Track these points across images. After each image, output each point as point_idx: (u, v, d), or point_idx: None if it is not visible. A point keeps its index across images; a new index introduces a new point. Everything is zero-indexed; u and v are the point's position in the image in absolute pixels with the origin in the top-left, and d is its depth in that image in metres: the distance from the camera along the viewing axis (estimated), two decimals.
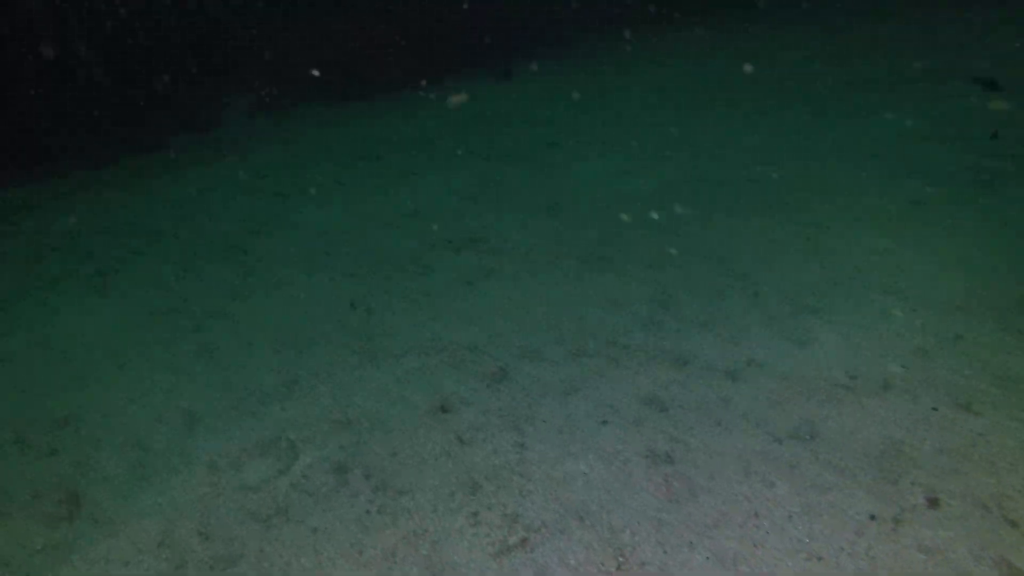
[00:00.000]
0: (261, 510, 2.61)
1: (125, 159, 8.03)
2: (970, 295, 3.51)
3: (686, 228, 4.56)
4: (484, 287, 4.10)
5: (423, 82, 13.02)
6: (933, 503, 2.35)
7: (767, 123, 6.59)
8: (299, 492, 2.68)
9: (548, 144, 6.89)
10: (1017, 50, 8.61)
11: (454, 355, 3.45)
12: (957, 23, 9.78)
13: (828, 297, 3.60)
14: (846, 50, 9.31)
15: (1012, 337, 3.17)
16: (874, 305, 3.49)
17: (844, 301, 3.55)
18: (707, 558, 2.23)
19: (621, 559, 2.26)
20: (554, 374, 3.22)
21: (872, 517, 2.33)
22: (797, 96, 7.40)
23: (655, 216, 4.79)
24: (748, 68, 9.11)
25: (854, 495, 2.42)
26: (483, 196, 5.62)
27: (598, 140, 6.77)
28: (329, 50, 15.02)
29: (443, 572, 2.28)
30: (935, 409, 2.78)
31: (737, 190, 5.07)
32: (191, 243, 5.28)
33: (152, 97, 10.91)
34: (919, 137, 5.77)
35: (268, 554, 2.42)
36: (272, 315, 4.04)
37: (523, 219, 5.05)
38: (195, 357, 3.66)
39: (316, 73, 14.17)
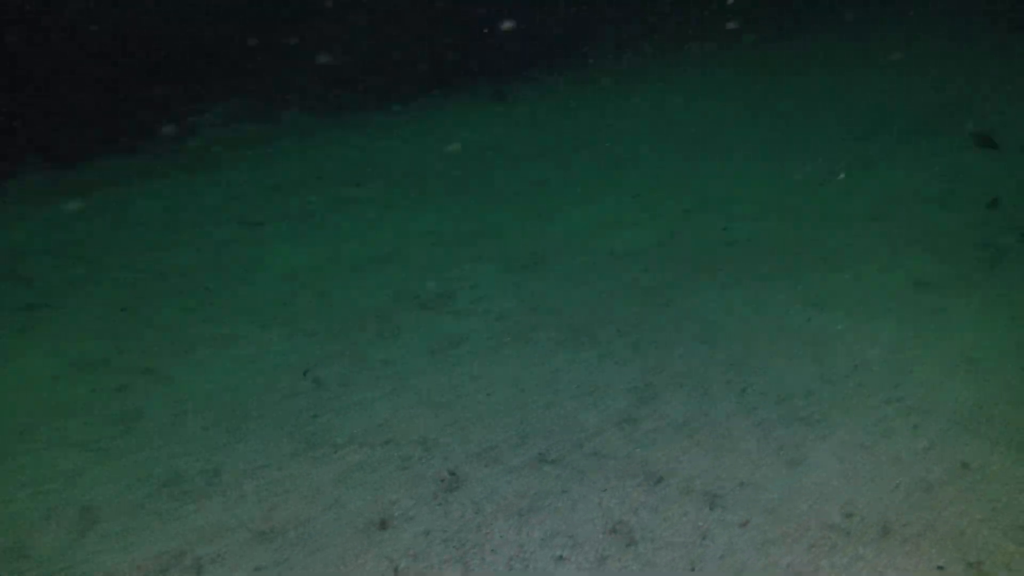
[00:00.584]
0: None
1: (85, 168, 7.54)
2: (978, 409, 3.12)
3: (677, 297, 4.15)
4: (448, 360, 3.68)
5: (417, 99, 12.60)
6: None
7: (767, 171, 6.20)
8: None
9: (537, 182, 6.48)
10: (1016, 101, 8.27)
11: (403, 450, 3.02)
12: (957, 70, 9.45)
13: (823, 402, 3.20)
14: (846, 92, 8.95)
15: (1022, 469, 2.77)
16: (873, 417, 3.09)
17: (840, 410, 3.15)
18: None
19: None
20: (511, 485, 2.80)
21: None
22: (798, 142, 7.01)
23: (644, 280, 4.38)
24: (755, 105, 8.73)
25: None
26: (462, 242, 5.20)
27: (591, 180, 6.36)
28: (323, 57, 14.57)
29: None
30: (941, 568, 2.38)
31: (733, 252, 4.67)
32: (141, 275, 4.84)
33: (120, 99, 10.43)
34: (920, 199, 5.39)
35: None
36: (212, 378, 3.60)
37: (501, 274, 4.63)
38: (113, 428, 3.22)
39: (304, 81, 13.73)
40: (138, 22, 12.86)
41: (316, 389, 3.48)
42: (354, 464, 2.95)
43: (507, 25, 14.57)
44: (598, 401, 3.27)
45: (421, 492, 2.78)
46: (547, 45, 14.82)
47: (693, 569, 2.40)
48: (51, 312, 4.30)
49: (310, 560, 2.49)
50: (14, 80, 9.36)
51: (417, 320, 4.09)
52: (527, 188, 6.36)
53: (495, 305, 4.20)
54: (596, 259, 4.70)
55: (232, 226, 5.78)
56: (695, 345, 3.65)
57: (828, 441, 2.95)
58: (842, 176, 6.00)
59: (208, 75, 13.56)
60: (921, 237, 4.70)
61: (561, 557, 2.46)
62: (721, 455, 2.91)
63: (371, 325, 4.05)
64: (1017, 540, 2.47)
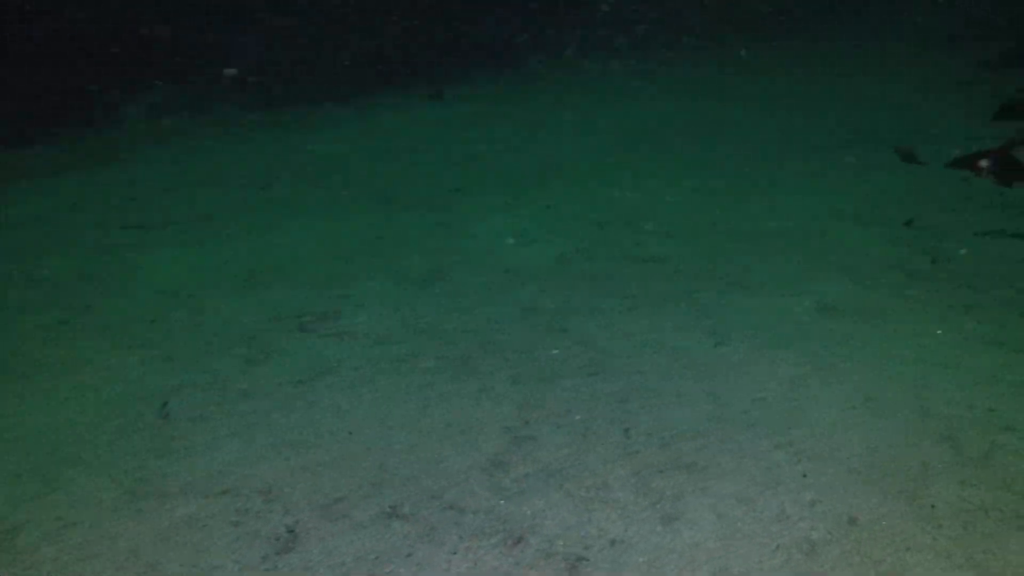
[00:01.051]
0: None
1: None
2: (872, 454, 2.86)
3: (571, 322, 3.84)
4: (314, 391, 3.31)
5: (354, 96, 12.12)
6: None
7: (691, 184, 5.94)
8: None
9: (454, 190, 6.13)
10: (948, 117, 8.19)
11: (241, 502, 2.65)
12: (889, 85, 9.37)
13: (711, 446, 2.91)
14: (781, 105, 8.78)
15: (912, 523, 2.52)
16: (760, 464, 2.82)
17: (726, 454, 2.86)
18: None
19: None
20: (353, 545, 2.45)
21: None
22: (727, 155, 6.78)
23: (541, 302, 4.07)
24: (690, 112, 8.50)
25: None
26: (362, 252, 4.82)
27: (511, 188, 6.03)
28: (261, 51, 13.99)
29: None
30: None
31: (638, 271, 4.38)
32: (4, 285, 4.36)
33: (45, 86, 9.78)
34: (838, 216, 5.18)
35: None
36: (42, 413, 3.17)
37: (392, 289, 4.26)
38: None
39: (235, 73, 13.15)
40: (75, 9, 12.16)
41: (161, 426, 3.08)
42: (182, 519, 2.57)
43: (452, 25, 14.16)
44: (468, 442, 2.94)
45: (250, 555, 2.41)
46: (491, 46, 14.45)
47: None
48: None
49: None
50: None
51: (291, 344, 3.71)
52: (443, 195, 5.99)
53: (378, 327, 3.83)
54: (495, 277, 4.37)
55: (120, 230, 5.31)
56: (583, 378, 3.34)
57: (709, 493, 2.67)
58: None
59: (144, 64, 12.90)
60: (834, 258, 4.47)
61: None
62: (592, 509, 2.60)
63: (240, 349, 3.66)
64: None
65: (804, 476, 2.76)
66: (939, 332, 3.56)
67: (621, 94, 10.04)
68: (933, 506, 2.56)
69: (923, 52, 12.62)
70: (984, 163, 6.47)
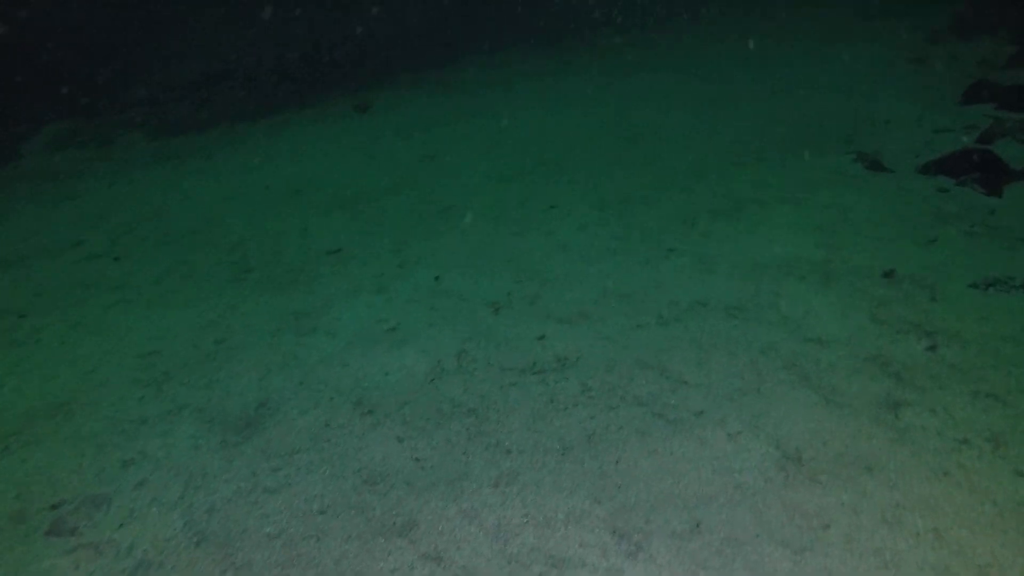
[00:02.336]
0: None
1: None
2: None
3: (429, 511, 2.51)
4: None
5: (271, 115, 10.58)
6: None
7: (608, 232, 4.59)
8: None
9: (331, 251, 4.74)
10: (907, 101, 6.91)
11: None
12: (853, 74, 8.05)
13: None
14: (724, 104, 7.42)
15: None
16: None
17: None
18: None
19: None
20: None
21: None
22: (658, 179, 5.43)
23: (394, 464, 2.73)
24: (616, 123, 7.12)
25: None
26: (179, 369, 3.44)
27: (400, 246, 4.65)
28: (171, 70, 12.35)
29: None
30: None
31: (537, 398, 3.04)
32: None
33: None
34: (793, 269, 3.88)
35: None
36: None
37: (191, 450, 2.90)
38: None
39: (152, 97, 11.55)
40: None
41: None
42: None
43: (384, 27, 12.57)
44: None
45: None
46: (422, 49, 12.89)
47: None
48: None
49: None
50: None
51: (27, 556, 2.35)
52: (314, 261, 4.61)
53: (147, 534, 2.48)
54: (337, 416, 3.01)
55: None
56: None
57: None
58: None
59: (48, 93, 11.25)
60: (796, 365, 3.16)
61: None
62: None
63: None
64: None
65: None
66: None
67: (549, 104, 8.62)
68: None
69: (865, 21, 11.30)
70: (966, 167, 5.20)
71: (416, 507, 2.46)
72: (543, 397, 2.94)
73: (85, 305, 4.27)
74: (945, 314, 3.32)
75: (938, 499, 2.22)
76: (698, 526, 2.21)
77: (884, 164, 5.51)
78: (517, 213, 5.03)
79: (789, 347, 3.10)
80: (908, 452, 2.45)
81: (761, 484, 2.40)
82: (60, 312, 4.20)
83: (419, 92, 10.46)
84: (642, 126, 6.88)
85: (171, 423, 3.07)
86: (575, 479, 2.48)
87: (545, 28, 13.54)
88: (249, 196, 6.17)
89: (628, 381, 2.97)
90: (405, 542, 2.31)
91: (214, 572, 2.29)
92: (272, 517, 2.49)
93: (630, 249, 4.21)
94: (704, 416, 2.73)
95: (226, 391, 3.20)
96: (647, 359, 3.10)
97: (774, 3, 13.12)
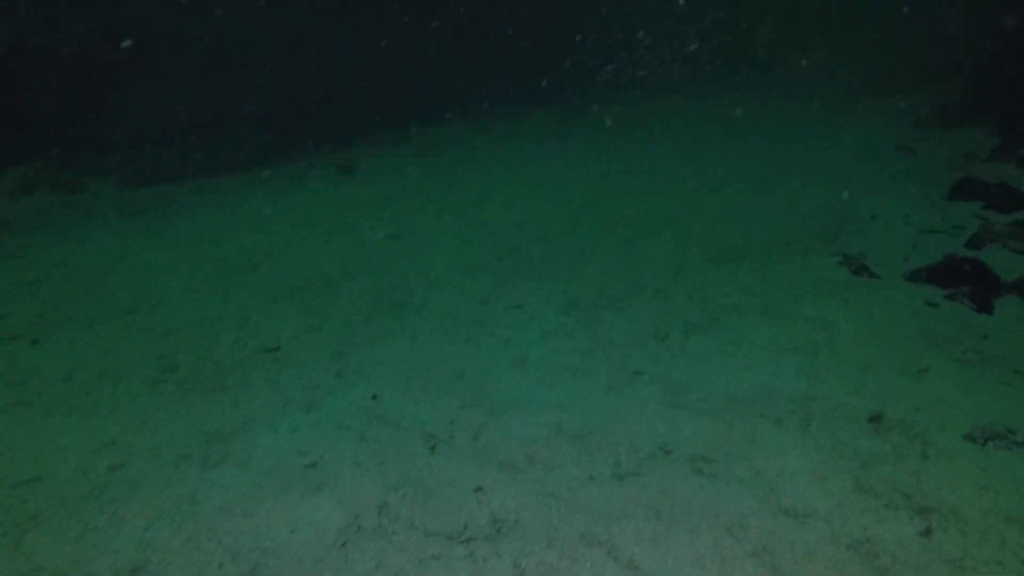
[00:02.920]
0: None
1: None
2: None
3: None
4: None
5: (251, 168, 10.18)
6: None
7: (570, 361, 4.13)
8: None
9: (267, 349, 4.24)
10: (893, 195, 6.56)
11: None
12: (838, 168, 7.74)
13: None
14: (709, 189, 7.07)
15: None
16: None
17: None
18: None
19: None
20: None
21: None
22: (626, 277, 5.00)
23: None
24: (596, 205, 6.74)
25: None
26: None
27: (339, 354, 4.15)
28: (152, 117, 11.98)
29: None
30: None
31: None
32: None
33: None
34: (769, 411, 3.40)
35: None
36: None
37: None
38: None
39: (130, 145, 11.11)
40: None
41: None
42: None
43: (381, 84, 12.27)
44: None
45: None
46: (415, 102, 12.61)
47: None
48: None
49: None
50: None
51: None
52: (246, 362, 4.10)
53: None
54: None
55: None
56: None
57: None
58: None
59: (18, 137, 10.84)
60: (760, 536, 2.67)
61: None
62: None
63: None
64: None
65: None
66: None
67: (527, 180, 8.27)
68: None
69: (852, 106, 11.11)
70: (954, 282, 4.80)
71: None
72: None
73: None
74: (939, 479, 2.85)
75: None
76: None
77: (871, 268, 5.11)
78: (477, 312, 4.56)
79: (761, 523, 2.61)
80: None
81: None
82: None
83: (404, 152, 10.11)
84: (623, 210, 6.49)
85: None
86: None
87: (540, 90, 13.33)
88: (201, 269, 5.69)
89: (570, 563, 2.46)
90: None
91: None
92: None
93: (593, 370, 3.74)
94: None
95: (98, 547, 2.66)
96: (596, 531, 2.59)
97: (766, 79, 12.97)
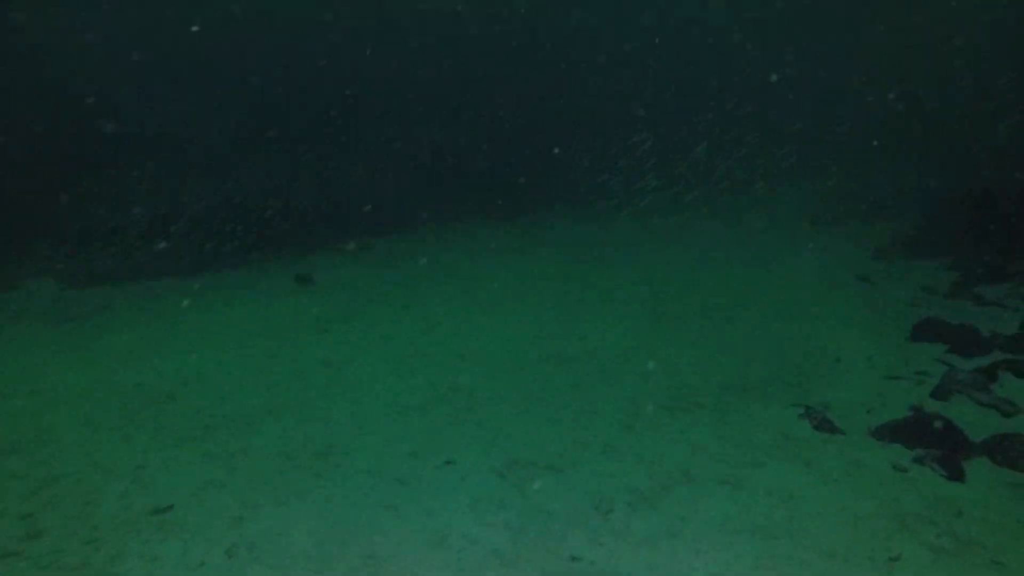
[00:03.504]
0: None
1: None
2: None
3: None
4: None
5: (195, 274, 9.71)
6: None
7: (507, 516, 3.60)
8: None
9: (156, 511, 3.64)
10: (853, 335, 6.28)
11: None
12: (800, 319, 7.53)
13: None
14: (670, 322, 6.76)
15: None
16: None
17: None
18: None
19: None
20: None
21: None
22: (591, 415, 4.54)
23: None
24: (549, 337, 6.36)
25: None
26: None
27: (232, 522, 3.55)
28: (105, 215, 11.58)
29: None
30: None
31: None
32: None
33: None
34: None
35: None
36: None
37: None
38: None
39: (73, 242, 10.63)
40: None
41: None
42: None
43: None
44: None
45: None
46: (385, 211, 12.42)
47: None
48: None
49: None
50: None
51: None
52: (125, 529, 3.49)
53: None
54: None
55: None
56: None
57: None
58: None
59: None
60: None
61: None
62: None
63: None
64: None
65: None
66: None
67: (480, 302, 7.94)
68: None
69: (813, 228, 11.16)
70: (923, 442, 4.42)
71: None
72: None
73: None
74: None
75: None
76: None
77: (834, 423, 4.72)
78: (404, 469, 4.04)
79: None
80: None
81: None
82: None
83: (364, 265, 9.77)
84: (576, 344, 6.11)
85: None
86: None
87: (507, 206, 13.27)
88: (112, 399, 5.12)
89: None
90: None
91: None
92: None
93: (523, 555, 3.20)
94: None
95: None
96: None
97: (735, 201, 13.04)
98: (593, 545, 3.30)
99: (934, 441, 4.47)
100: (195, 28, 11.78)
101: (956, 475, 4.20)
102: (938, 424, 4.53)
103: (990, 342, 6.11)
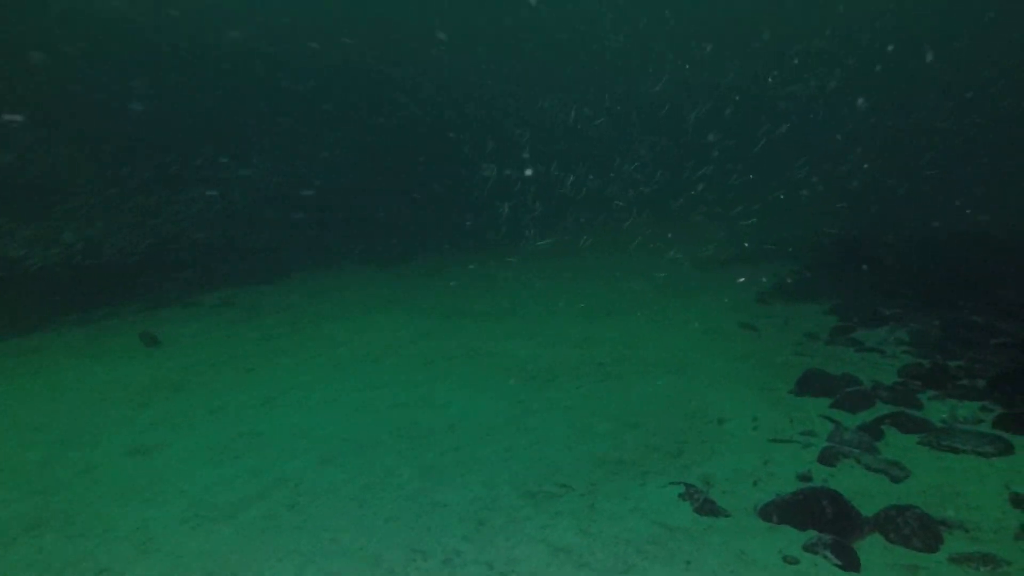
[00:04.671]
0: None
1: None
2: None
3: None
4: None
5: (22, 333, 8.19)
6: None
7: None
8: None
9: None
10: (734, 389, 5.76)
11: None
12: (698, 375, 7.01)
13: None
14: (543, 380, 6.03)
15: None
16: None
17: None
18: None
19: None
20: None
21: None
22: (442, 507, 3.66)
23: None
24: (406, 407, 5.47)
25: None
26: None
27: None
28: None
29: None
30: None
31: None
32: None
33: None
34: None
35: None
36: None
37: None
38: None
39: None
40: None
41: None
42: None
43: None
44: None
45: None
46: (251, 259, 11.20)
47: None
48: None
49: None
50: None
51: None
52: None
53: None
54: None
55: None
56: None
57: None
58: None
59: None
60: None
61: None
62: None
63: None
64: None
65: None
66: None
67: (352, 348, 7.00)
68: None
69: (698, 276, 10.90)
70: (815, 531, 3.83)
71: None
72: None
73: None
74: None
75: None
76: None
77: (717, 504, 4.07)
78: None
79: None
80: None
81: None
82: None
83: (223, 319, 8.57)
84: (436, 415, 5.26)
85: None
86: None
87: (392, 248, 12.36)
88: None
89: None
90: None
91: None
92: None
93: None
94: None
95: None
96: None
97: (615, 242, 12.70)
98: None
99: (825, 523, 3.89)
100: None
101: (851, 564, 3.61)
102: (828, 507, 3.96)
103: (872, 395, 5.74)
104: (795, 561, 3.56)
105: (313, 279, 10.89)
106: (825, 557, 3.63)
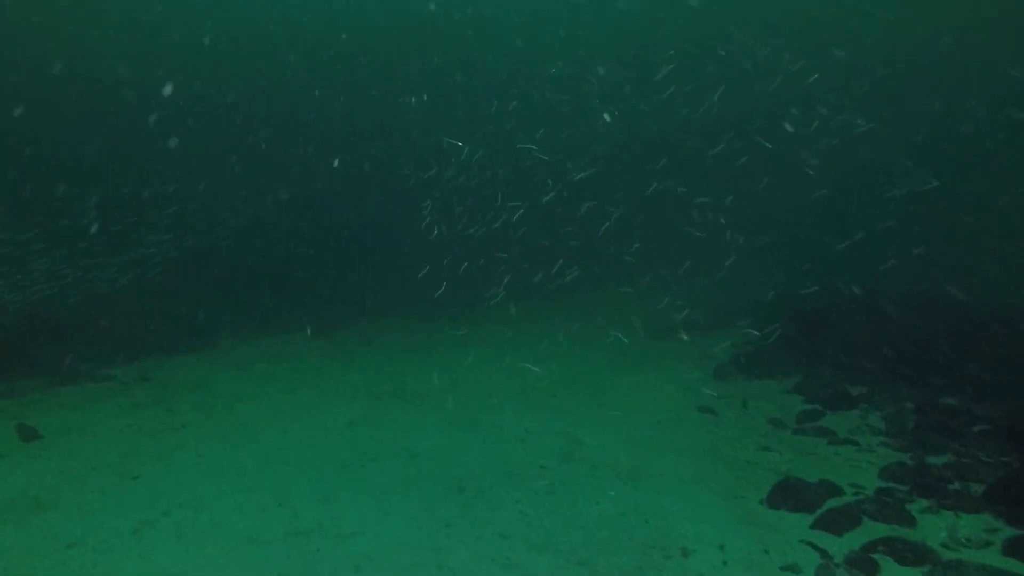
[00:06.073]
0: None
1: None
2: None
3: None
4: None
5: None
6: None
7: None
8: None
9: None
10: (699, 501, 4.79)
11: None
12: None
13: None
14: (476, 492, 4.96)
15: None
16: None
17: None
18: None
19: None
20: None
21: None
22: None
23: None
24: (300, 535, 4.33)
25: None
26: None
27: None
28: None
29: None
30: None
31: None
32: None
33: None
34: None
35: None
36: None
37: None
38: None
39: None
40: None
41: None
42: None
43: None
44: None
45: None
46: (173, 323, 9.90)
47: None
48: None
49: None
50: None
51: None
52: None
53: None
54: None
55: None
56: None
57: None
58: None
59: None
60: None
61: None
62: None
63: None
64: None
65: None
66: None
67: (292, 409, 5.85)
68: None
69: (650, 347, 10.05)
70: None
71: None
72: None
73: None
74: None
75: None
76: None
77: None
78: None
79: None
80: None
81: None
82: None
83: (126, 400, 7.30)
84: (335, 547, 4.14)
85: None
86: None
87: (331, 314, 11.23)
88: None
89: None
90: None
91: None
92: None
93: None
94: None
95: None
96: None
97: (564, 317, 11.68)
98: None
99: None
100: None
101: None
102: None
103: (857, 510, 4.83)
104: None
105: (241, 348, 9.69)
106: None
